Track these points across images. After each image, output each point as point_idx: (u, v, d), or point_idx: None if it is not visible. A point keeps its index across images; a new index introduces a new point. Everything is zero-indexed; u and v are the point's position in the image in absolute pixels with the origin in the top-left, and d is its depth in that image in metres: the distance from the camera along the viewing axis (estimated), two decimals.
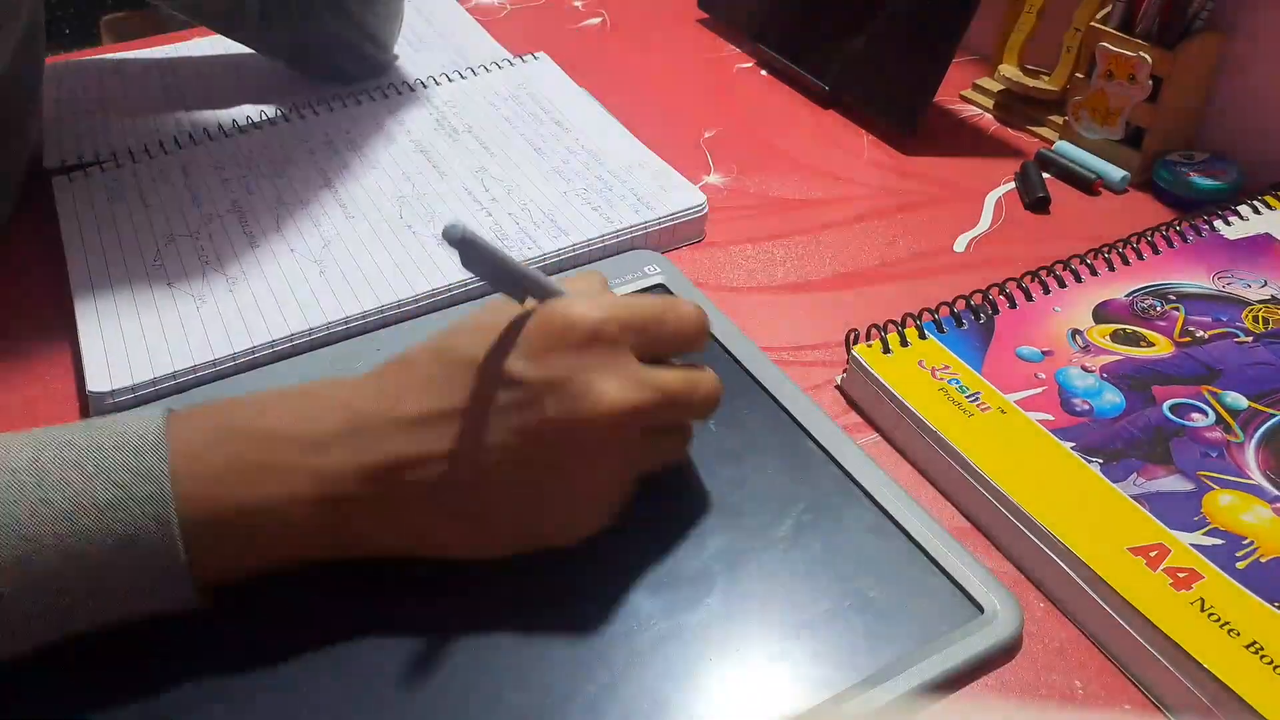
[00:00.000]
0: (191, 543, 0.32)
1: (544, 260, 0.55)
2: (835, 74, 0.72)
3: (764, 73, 0.78)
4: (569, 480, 0.36)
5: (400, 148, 0.65)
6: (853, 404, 0.48)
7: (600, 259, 0.56)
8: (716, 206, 0.62)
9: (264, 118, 0.68)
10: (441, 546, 0.37)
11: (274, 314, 0.51)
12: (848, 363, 0.48)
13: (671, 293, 0.53)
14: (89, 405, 0.47)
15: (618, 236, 0.57)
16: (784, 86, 0.76)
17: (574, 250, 0.56)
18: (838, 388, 0.49)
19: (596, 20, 0.85)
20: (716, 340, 0.49)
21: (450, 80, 0.72)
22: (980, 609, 0.37)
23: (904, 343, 0.47)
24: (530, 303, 0.37)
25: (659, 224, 0.58)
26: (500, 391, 0.35)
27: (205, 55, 0.78)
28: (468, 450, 0.34)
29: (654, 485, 0.40)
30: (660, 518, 0.40)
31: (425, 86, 0.71)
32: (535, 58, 0.75)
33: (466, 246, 0.33)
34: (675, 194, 0.60)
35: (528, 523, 0.37)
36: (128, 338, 0.49)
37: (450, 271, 0.53)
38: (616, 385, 0.35)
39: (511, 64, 0.74)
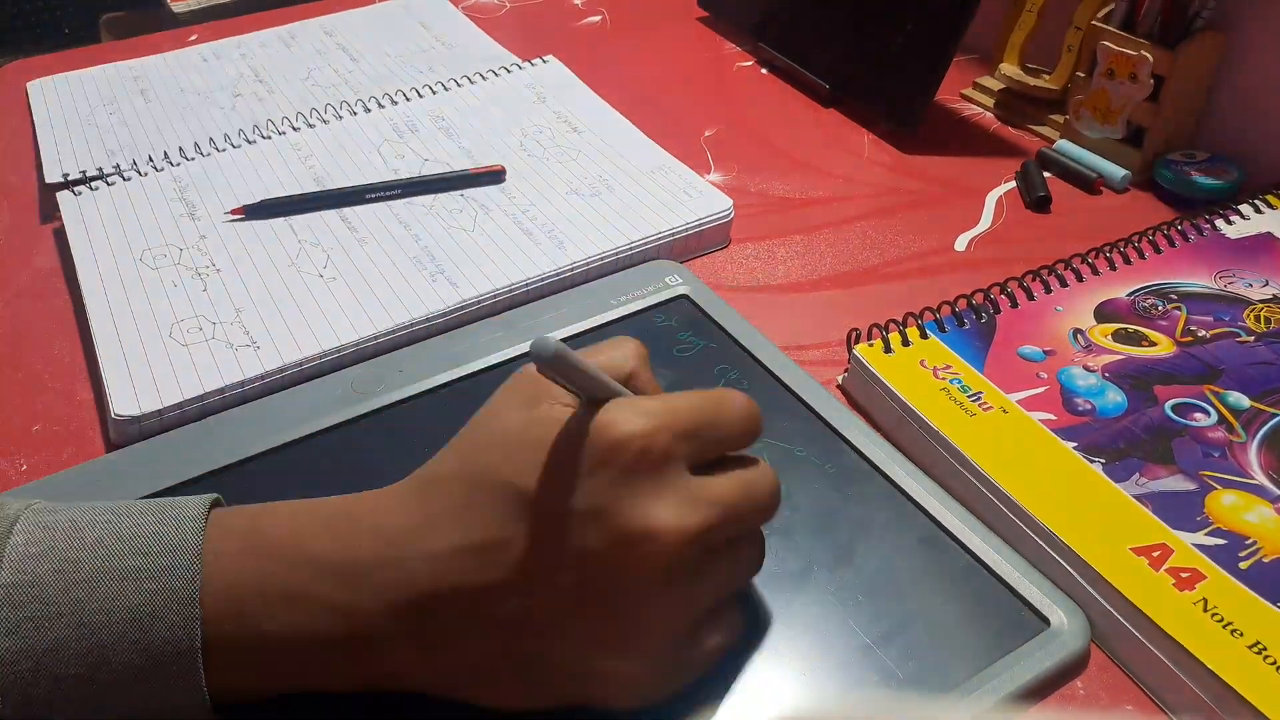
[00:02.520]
0: (209, 647, 0.30)
1: (572, 269, 0.54)
2: (836, 72, 0.72)
3: (764, 71, 0.78)
4: (619, 626, 0.31)
5: (408, 162, 0.63)
6: (854, 403, 0.48)
7: (626, 267, 0.55)
8: None
9: (270, 128, 0.67)
10: (476, 692, 0.32)
11: (287, 337, 0.50)
12: (849, 362, 0.48)
13: (696, 304, 0.51)
14: (112, 430, 0.46)
15: (645, 244, 0.56)
16: (785, 85, 0.76)
17: (601, 259, 0.55)
18: (839, 387, 0.49)
19: (596, 19, 0.84)
20: (749, 353, 0.48)
21: (459, 85, 0.71)
22: (1046, 621, 0.36)
23: (905, 342, 0.47)
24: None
25: (685, 230, 0.57)
26: (540, 522, 0.30)
27: (186, 64, 0.77)
28: (507, 588, 0.30)
29: None
30: None
31: (435, 93, 0.70)
32: (545, 61, 0.74)
33: (559, 363, 0.30)
34: (700, 199, 0.59)
35: (575, 675, 0.32)
36: (152, 360, 0.48)
37: (465, 289, 0.52)
38: (671, 507, 0.30)
39: (520, 68, 0.73)
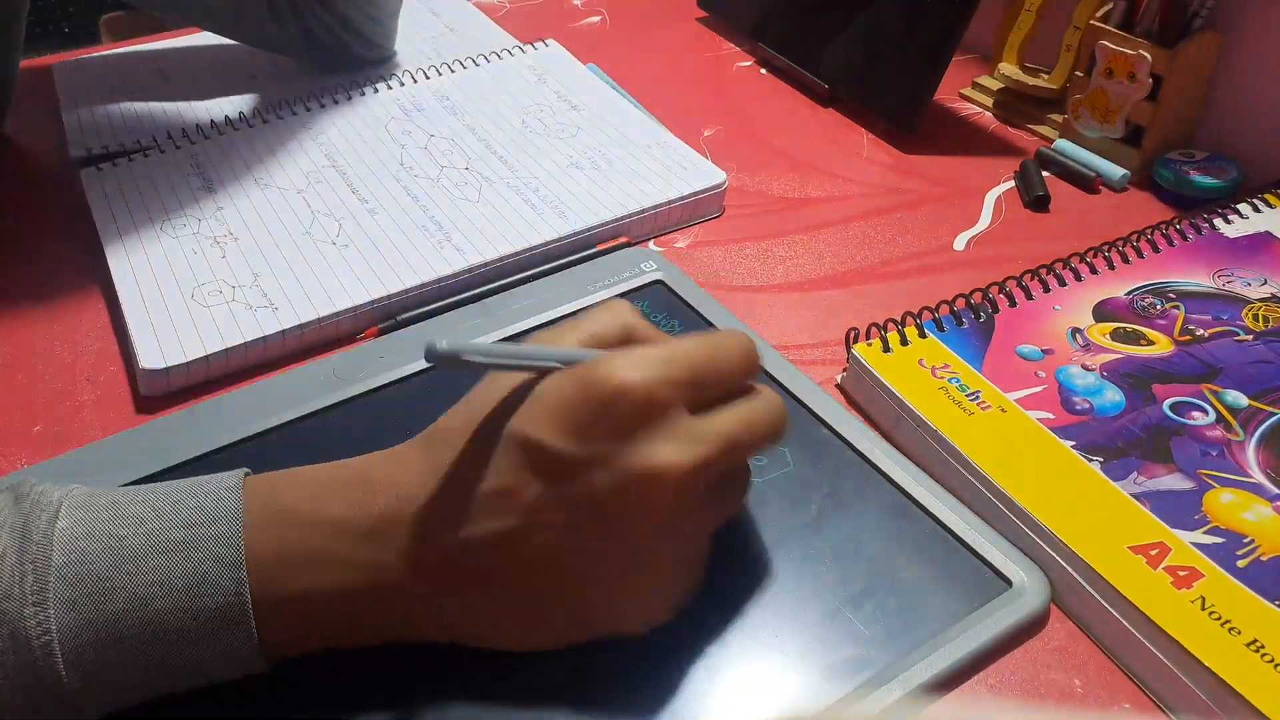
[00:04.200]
0: (258, 608, 0.32)
1: (572, 238, 0.56)
2: (835, 72, 0.72)
3: (763, 71, 0.78)
4: (631, 560, 0.33)
5: (414, 138, 0.66)
6: (853, 403, 0.48)
7: (624, 235, 0.58)
8: None
9: (284, 108, 0.69)
10: (497, 636, 0.34)
11: (303, 299, 0.52)
12: (848, 361, 0.48)
13: (671, 289, 0.53)
14: (140, 384, 0.48)
15: (642, 214, 0.58)
16: (783, 85, 0.76)
17: (601, 227, 0.57)
18: (838, 386, 0.49)
19: (596, 19, 0.84)
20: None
21: (464, 67, 0.74)
22: (1008, 582, 0.38)
23: (904, 341, 0.47)
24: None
25: (680, 201, 0.59)
26: (548, 470, 0.32)
27: (204, 46, 0.79)
28: (516, 534, 0.32)
29: None
30: None
31: (440, 74, 0.73)
32: (545, 45, 0.76)
33: (451, 361, 0.31)
34: (695, 170, 0.61)
35: (590, 609, 0.34)
36: (174, 316, 0.51)
37: (471, 255, 0.55)
38: (673, 446, 0.32)
39: (523, 51, 0.76)
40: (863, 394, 0.47)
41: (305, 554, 0.32)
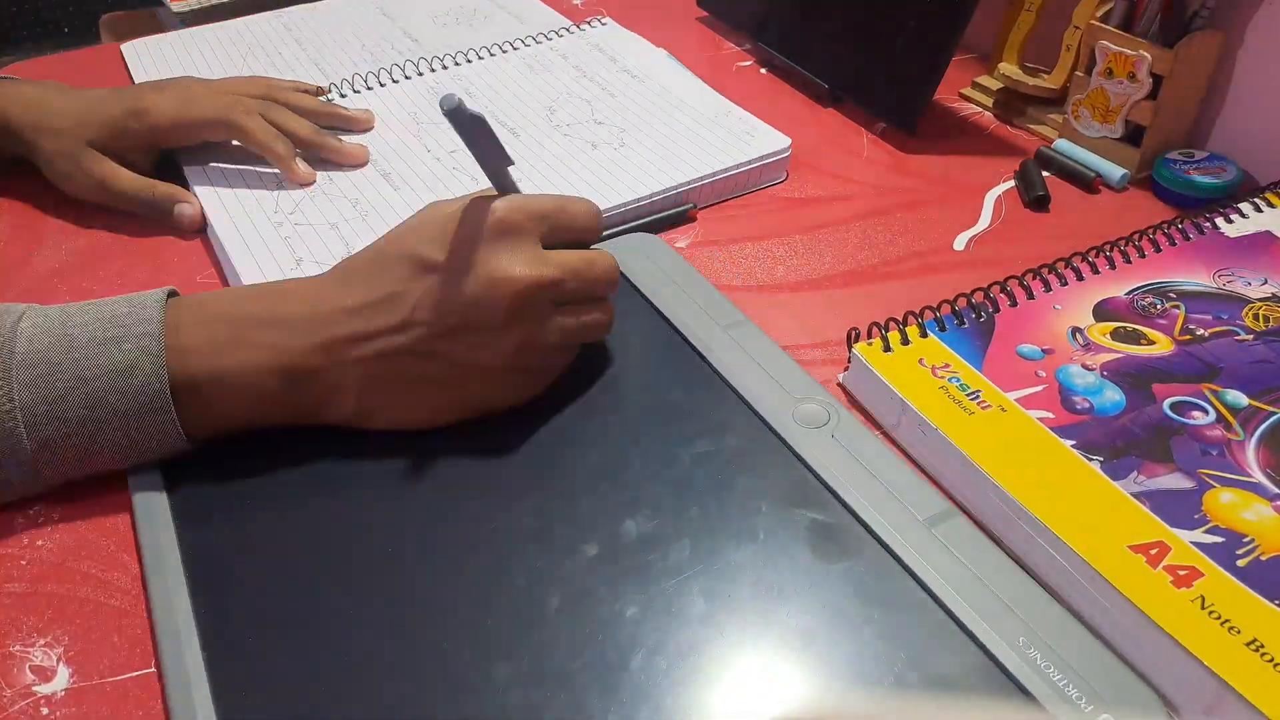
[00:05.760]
0: (173, 389, 0.40)
1: (650, 198, 0.60)
2: (835, 72, 0.72)
3: (763, 71, 0.78)
4: (491, 348, 0.42)
5: (482, 110, 0.68)
6: (854, 402, 0.48)
7: (686, 202, 0.62)
8: (716, 204, 0.62)
9: (378, 79, 0.73)
10: (387, 415, 0.43)
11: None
12: (848, 361, 0.48)
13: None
14: None
15: (711, 179, 0.62)
16: (783, 84, 0.76)
17: (676, 190, 0.61)
18: (839, 385, 0.49)
19: (596, 19, 0.84)
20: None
21: (525, 45, 0.77)
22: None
23: (905, 341, 0.47)
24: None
25: (747, 166, 0.63)
26: (426, 276, 0.42)
27: (271, 31, 0.83)
28: (400, 328, 0.42)
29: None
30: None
31: (504, 52, 0.76)
32: (602, 22, 0.80)
33: (459, 118, 0.40)
34: (759, 137, 0.65)
35: (460, 388, 0.43)
36: (285, 270, 0.55)
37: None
38: (522, 262, 0.42)
39: (581, 30, 0.79)
40: (864, 393, 0.47)
41: (230, 338, 0.41)
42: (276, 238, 0.57)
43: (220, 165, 0.63)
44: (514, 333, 0.42)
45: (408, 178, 0.62)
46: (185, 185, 0.62)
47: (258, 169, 0.63)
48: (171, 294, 0.43)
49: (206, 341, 0.41)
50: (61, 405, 0.39)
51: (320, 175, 0.63)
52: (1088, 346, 0.47)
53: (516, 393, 0.45)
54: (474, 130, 0.42)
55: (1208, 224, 0.56)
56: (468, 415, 0.44)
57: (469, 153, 0.43)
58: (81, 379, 0.40)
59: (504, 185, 0.45)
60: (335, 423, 0.44)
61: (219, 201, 0.60)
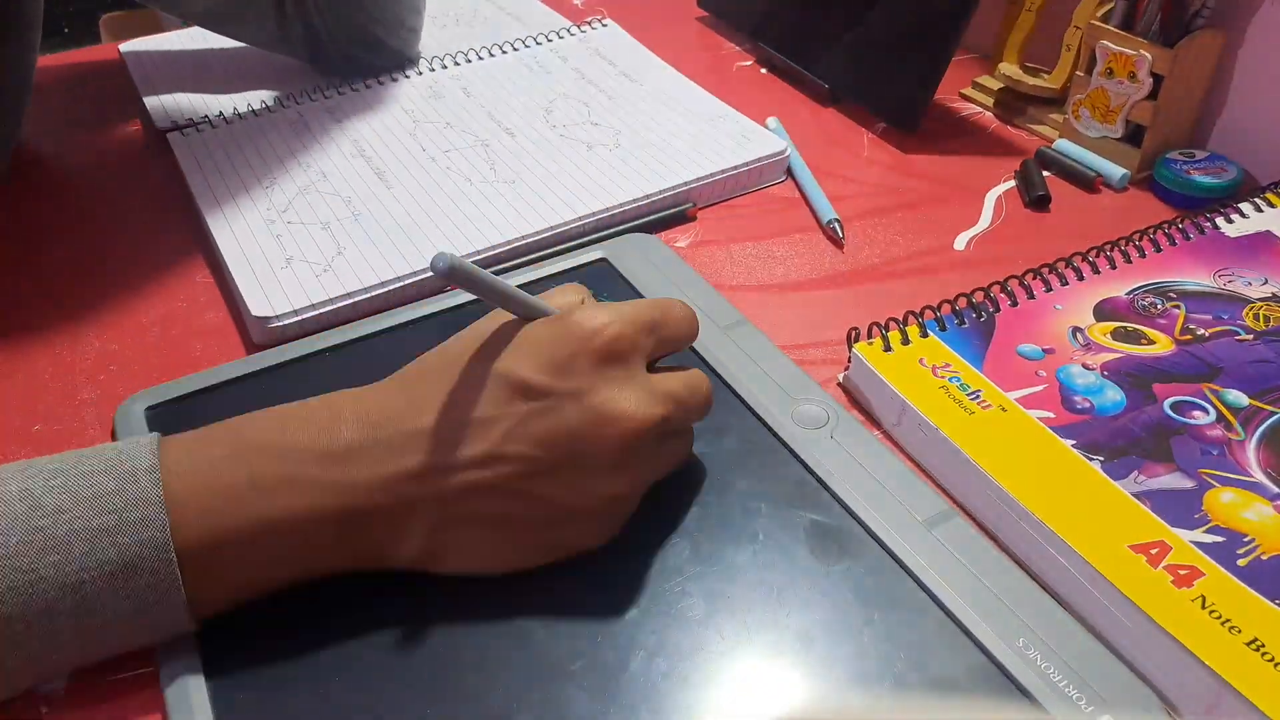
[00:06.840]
0: (188, 566, 0.33)
1: (648, 199, 0.60)
2: (835, 72, 0.72)
3: (763, 70, 0.78)
4: (591, 490, 0.36)
5: (479, 110, 0.69)
6: (854, 402, 0.48)
7: (684, 204, 0.61)
8: (717, 204, 0.62)
9: (377, 79, 0.73)
10: (460, 559, 0.37)
11: (396, 253, 0.55)
12: (849, 360, 0.48)
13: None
14: (251, 331, 0.52)
15: (710, 179, 0.62)
16: (784, 84, 0.76)
17: (675, 190, 0.61)
18: (839, 385, 0.49)
19: (597, 19, 0.84)
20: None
21: (525, 47, 0.77)
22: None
23: (905, 340, 0.47)
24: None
25: (745, 167, 0.63)
26: (521, 401, 0.35)
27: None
28: (485, 461, 0.35)
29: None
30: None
31: (503, 53, 0.76)
32: (603, 23, 0.81)
33: (457, 275, 0.34)
34: (756, 140, 0.65)
35: (549, 531, 0.37)
36: (275, 269, 0.54)
37: (563, 211, 0.58)
38: (637, 400, 0.36)
39: (582, 31, 0.79)
40: (864, 393, 0.47)
41: (277, 478, 0.34)
42: (268, 235, 0.57)
43: (213, 158, 0.63)
44: (622, 476, 0.37)
45: (401, 177, 0.62)
46: (179, 174, 0.62)
47: (250, 162, 0.63)
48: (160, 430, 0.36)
49: (249, 484, 0.34)
50: (46, 620, 0.32)
51: (313, 172, 0.62)
52: (1088, 346, 0.47)
53: (606, 533, 0.39)
54: (476, 280, 0.36)
55: (1208, 224, 0.56)
56: (552, 559, 0.38)
57: (473, 294, 0.37)
58: (67, 587, 0.32)
59: (540, 309, 0.38)
60: (391, 568, 0.37)
61: (210, 195, 0.60)
